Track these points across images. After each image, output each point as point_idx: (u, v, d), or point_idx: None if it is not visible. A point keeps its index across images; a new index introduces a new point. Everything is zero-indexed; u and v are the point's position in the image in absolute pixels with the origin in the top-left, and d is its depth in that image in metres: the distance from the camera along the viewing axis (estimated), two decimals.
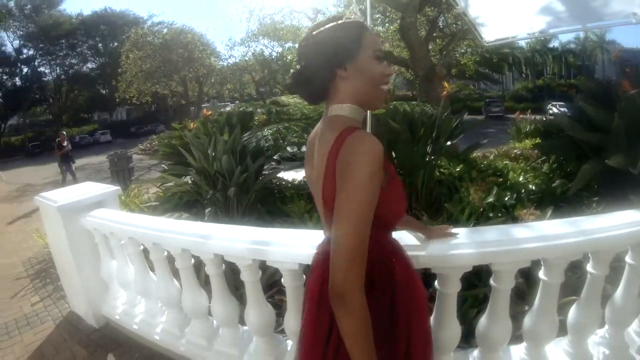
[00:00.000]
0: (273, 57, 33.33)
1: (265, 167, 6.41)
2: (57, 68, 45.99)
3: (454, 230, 1.81)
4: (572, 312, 1.95)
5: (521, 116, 13.13)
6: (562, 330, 1.99)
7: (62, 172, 12.77)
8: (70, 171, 12.71)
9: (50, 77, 46.49)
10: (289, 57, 29.36)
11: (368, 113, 3.51)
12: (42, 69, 45.62)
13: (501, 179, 5.56)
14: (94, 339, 3.34)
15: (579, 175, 4.40)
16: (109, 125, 46.85)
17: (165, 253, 2.67)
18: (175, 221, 3.13)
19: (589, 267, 1.84)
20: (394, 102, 6.23)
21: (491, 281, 1.88)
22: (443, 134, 5.09)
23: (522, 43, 37.54)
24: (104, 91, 47.76)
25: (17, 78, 43.95)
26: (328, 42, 1.13)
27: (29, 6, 40.06)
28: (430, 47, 12.01)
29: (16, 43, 42.30)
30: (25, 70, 44.22)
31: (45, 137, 42.53)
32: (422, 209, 4.70)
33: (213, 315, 2.58)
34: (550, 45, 41.99)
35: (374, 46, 1.13)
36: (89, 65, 47.74)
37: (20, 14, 39.75)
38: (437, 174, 5.65)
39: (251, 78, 37.33)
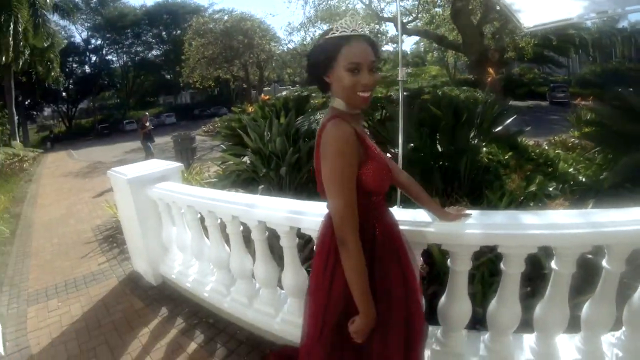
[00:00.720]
0: None
1: None
2: (124, 56, 49.20)
3: (468, 211, 1.92)
4: (585, 308, 1.92)
5: (582, 103, 12.04)
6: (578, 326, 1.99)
7: (145, 149, 13.86)
8: (149, 149, 13.77)
9: (118, 64, 49.92)
10: None
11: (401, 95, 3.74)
12: (109, 57, 49.22)
13: (551, 169, 5.48)
14: (151, 294, 3.86)
15: (617, 167, 4.30)
16: (173, 108, 49.29)
17: (219, 220, 3.07)
18: (227, 192, 3.52)
19: (604, 262, 1.79)
20: (445, 88, 6.34)
21: (501, 265, 1.95)
22: (486, 120, 5.12)
23: (589, 23, 34.07)
24: (169, 76, 49.92)
25: (86, 66, 47.68)
26: (313, 58, 1.44)
27: (94, 0, 43.15)
28: (486, 30, 11.68)
29: (84, 34, 45.87)
30: (94, 58, 47.83)
31: (113, 119, 46.00)
32: (465, 194, 4.71)
33: (255, 277, 2.94)
34: (619, 26, 37.85)
35: (347, 59, 1.33)
36: (154, 52, 50.32)
37: (87, 7, 42.85)
38: (486, 160, 5.60)
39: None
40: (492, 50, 9.89)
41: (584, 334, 1.98)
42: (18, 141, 22.36)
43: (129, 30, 46.26)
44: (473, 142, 5.21)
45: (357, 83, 1.34)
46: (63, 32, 37.84)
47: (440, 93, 5.66)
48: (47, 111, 50.81)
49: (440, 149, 5.19)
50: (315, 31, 31.83)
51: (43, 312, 3.79)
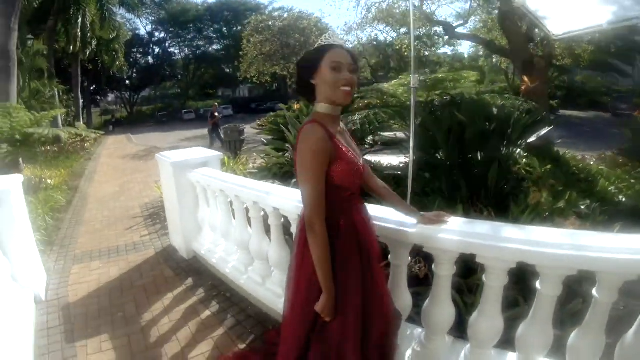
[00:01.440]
0: (388, 42, 33.39)
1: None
2: (186, 49, 51.26)
3: (447, 218, 2.01)
4: (572, 337, 1.82)
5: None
6: None
7: (210, 138, 14.60)
8: (218, 137, 14.51)
9: (180, 56, 52.12)
10: (399, 45, 29.54)
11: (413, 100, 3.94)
12: (172, 49, 51.50)
13: (591, 185, 5.33)
14: (182, 266, 4.32)
15: None
16: (231, 101, 50.81)
17: (245, 205, 3.39)
18: (250, 180, 3.83)
19: (594, 291, 1.67)
20: (474, 93, 6.28)
21: (483, 277, 1.97)
22: (516, 130, 4.98)
23: None
24: (228, 70, 51.57)
25: (150, 57, 50.38)
26: (303, 62, 1.74)
27: None
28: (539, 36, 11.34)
29: (149, 27, 48.43)
30: (157, 50, 50.47)
31: (172, 108, 48.17)
32: (491, 204, 4.53)
33: (269, 259, 3.22)
34: None
35: (331, 59, 1.60)
36: (215, 46, 52.01)
37: (152, 2, 45.01)
38: (523, 172, 5.54)
39: (367, 62, 37.80)
40: (537, 57, 9.62)
41: None
42: (82, 123, 23.98)
43: (191, 25, 48.21)
44: (504, 150, 5.12)
45: (339, 79, 1.59)
46: (128, 25, 39.85)
47: (475, 98, 5.56)
48: (111, 97, 53.79)
49: (468, 156, 5.17)
50: (372, 31, 32.05)
51: (85, 270, 4.33)
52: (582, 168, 6.42)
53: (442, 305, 2.14)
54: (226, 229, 3.78)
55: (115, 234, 5.57)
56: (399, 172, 5.88)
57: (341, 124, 1.81)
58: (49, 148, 14.51)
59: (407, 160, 6.37)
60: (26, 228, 3.79)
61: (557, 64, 22.34)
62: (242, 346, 2.81)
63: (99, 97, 48.64)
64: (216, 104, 17.05)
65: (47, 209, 6.51)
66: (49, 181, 8.92)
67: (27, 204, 4.04)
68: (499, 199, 4.86)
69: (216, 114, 14.42)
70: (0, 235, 3.34)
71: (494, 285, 1.91)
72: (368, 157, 7.38)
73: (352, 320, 1.74)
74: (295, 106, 8.56)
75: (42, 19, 19.70)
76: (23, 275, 3.48)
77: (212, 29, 50.39)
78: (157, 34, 49.37)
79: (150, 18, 46.75)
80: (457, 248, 1.92)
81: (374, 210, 2.20)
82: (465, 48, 34.04)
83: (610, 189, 5.19)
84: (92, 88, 41.54)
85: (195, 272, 4.12)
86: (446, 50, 33.61)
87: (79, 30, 19.51)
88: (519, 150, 5.64)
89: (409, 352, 2.29)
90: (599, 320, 1.70)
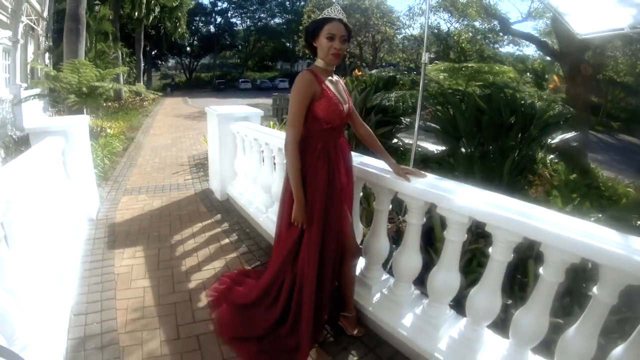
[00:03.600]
0: (450, 32, 32.35)
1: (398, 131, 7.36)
2: (247, 20, 52.60)
3: (423, 173, 2.29)
4: (566, 335, 1.73)
5: None
6: None
7: None
8: None
9: (241, 27, 53.48)
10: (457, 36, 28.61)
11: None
12: (234, 19, 53.07)
13: (611, 203, 5.23)
14: (215, 205, 4.87)
15: None
16: (289, 75, 51.00)
17: (273, 153, 3.79)
18: (278, 131, 4.26)
19: (595, 289, 1.58)
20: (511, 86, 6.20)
21: (444, 232, 2.13)
22: (536, 126, 4.99)
23: None
24: (288, 44, 52.36)
25: (211, 26, 52.09)
26: (308, 28, 2.14)
27: None
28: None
29: None
30: (219, 20, 52.11)
31: (230, 77, 49.49)
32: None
33: None
34: None
35: (327, 31, 2.02)
36: (277, 20, 53.01)
37: None
38: (547, 174, 5.34)
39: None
40: (585, 65, 9.27)
41: None
42: (142, 84, 25.41)
43: None
44: (522, 146, 5.15)
45: (332, 46, 2.05)
46: None
47: (506, 92, 5.48)
48: (171, 62, 55.98)
49: (487, 147, 5.27)
50: (436, 19, 31.19)
51: (132, 200, 4.97)
52: (609, 186, 6.32)
53: (409, 253, 2.37)
54: (256, 174, 4.20)
55: (163, 176, 6.25)
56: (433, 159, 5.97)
57: (336, 77, 2.26)
58: (110, 104, 15.71)
59: (441, 149, 6.54)
60: (87, 160, 4.42)
61: (619, 80, 20.90)
62: (247, 267, 3.29)
63: (159, 62, 50.31)
64: None
65: (106, 152, 7.25)
66: (108, 130, 9.82)
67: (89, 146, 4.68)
68: (511, 194, 4.88)
69: None
70: (66, 162, 3.92)
71: (454, 239, 2.09)
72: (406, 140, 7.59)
73: (315, 233, 2.16)
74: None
75: None
76: (80, 197, 4.08)
77: (275, 1, 51.12)
78: (220, 3, 50.89)
79: None
80: (421, 196, 2.17)
81: (364, 159, 2.59)
82: (532, 50, 31.85)
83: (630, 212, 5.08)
84: (153, 53, 43.13)
85: (225, 210, 4.65)
86: (511, 49, 31.51)
87: None
88: (542, 150, 5.61)
89: (377, 295, 2.59)
90: (594, 318, 1.61)
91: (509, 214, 1.75)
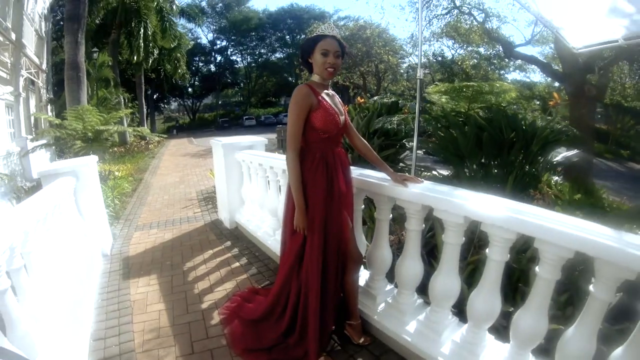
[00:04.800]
0: (454, 59, 32.57)
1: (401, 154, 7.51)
2: (248, 56, 53.09)
3: (419, 180, 2.45)
4: (565, 335, 1.77)
5: None
6: None
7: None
8: None
9: (242, 64, 53.99)
10: (461, 61, 28.86)
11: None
12: (234, 57, 53.36)
13: (614, 224, 5.23)
14: (224, 233, 5.06)
15: None
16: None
17: (278, 177, 3.97)
18: (280, 155, 4.45)
19: (591, 287, 1.63)
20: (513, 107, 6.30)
21: (442, 237, 2.24)
22: (537, 144, 5.09)
23: None
24: (291, 78, 52.18)
25: (211, 65, 52.32)
26: (303, 45, 2.32)
27: (220, 4, 47.39)
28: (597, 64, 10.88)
29: (210, 36, 50.58)
30: (219, 58, 52.39)
31: (234, 115, 50.07)
32: None
33: None
34: None
35: (321, 47, 2.19)
36: (277, 54, 53.44)
37: (213, 11, 47.27)
38: (551, 195, 5.51)
39: (432, 78, 37.30)
40: (587, 85, 9.34)
41: None
42: (146, 128, 25.99)
43: (253, 33, 49.84)
44: (525, 164, 5.22)
45: (326, 62, 2.22)
46: (190, 34, 41.93)
47: (509, 112, 5.62)
48: (174, 105, 56.79)
49: (489, 165, 5.31)
50: (440, 46, 31.54)
51: (144, 235, 5.17)
52: (614, 207, 6.35)
53: (410, 259, 2.48)
54: (262, 200, 4.39)
55: (172, 211, 6.49)
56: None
57: (332, 91, 2.45)
58: (116, 149, 16.16)
59: (446, 173, 6.63)
60: (98, 198, 4.62)
61: (626, 105, 20.83)
62: (257, 287, 3.44)
63: (162, 105, 51.04)
64: None
65: (115, 193, 7.49)
66: (116, 173, 10.10)
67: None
68: None
69: None
70: (78, 201, 4.13)
71: (452, 242, 2.19)
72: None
73: (317, 239, 2.30)
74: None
75: (106, 33, 21.77)
76: (94, 234, 4.29)
77: (274, 36, 51.73)
78: (218, 42, 51.46)
79: (212, 27, 48.98)
80: (418, 200, 2.29)
81: (364, 170, 2.75)
82: (538, 77, 31.73)
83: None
84: (155, 96, 43.72)
85: (235, 237, 4.84)
86: (517, 75, 31.41)
87: (141, 41, 21.19)
88: (546, 170, 5.67)
89: (382, 305, 2.69)
90: (592, 317, 1.65)
91: (503, 212, 1.85)
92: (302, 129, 2.26)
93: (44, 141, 10.54)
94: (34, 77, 14.43)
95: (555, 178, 6.71)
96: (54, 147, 11.30)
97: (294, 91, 2.29)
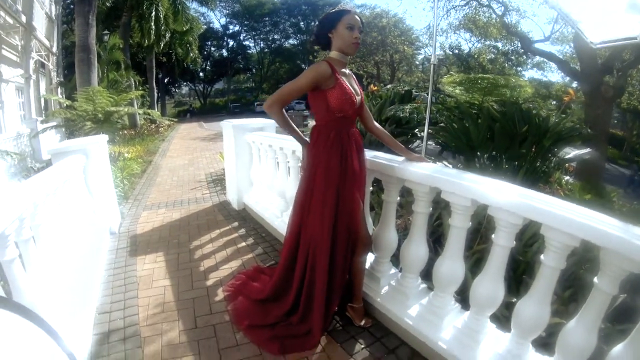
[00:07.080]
0: (471, 52, 32.00)
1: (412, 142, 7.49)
2: (261, 42, 52.40)
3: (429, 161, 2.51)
4: (566, 327, 1.77)
5: None
6: None
7: None
8: None
9: (254, 50, 53.36)
10: (477, 54, 28.50)
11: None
12: (246, 42, 52.69)
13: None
14: (232, 214, 5.10)
15: None
16: (305, 97, 51.59)
17: (287, 158, 3.96)
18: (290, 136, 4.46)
19: (595, 278, 1.63)
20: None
21: (449, 220, 2.24)
22: (548, 138, 5.04)
23: None
24: (304, 65, 51.21)
25: (224, 50, 51.69)
26: (325, 19, 2.27)
27: None
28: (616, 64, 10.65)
29: (223, 20, 49.74)
30: (231, 43, 51.67)
31: (245, 100, 49.90)
32: None
33: None
34: None
35: (347, 21, 2.17)
36: (291, 41, 52.76)
37: None
38: (561, 192, 5.56)
39: (447, 70, 36.79)
40: (605, 85, 9.20)
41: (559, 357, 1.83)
42: (156, 110, 26.10)
43: (267, 18, 49.21)
44: (534, 157, 5.17)
45: (352, 35, 2.21)
46: (203, 18, 41.16)
47: (523, 107, 5.59)
48: (185, 89, 56.88)
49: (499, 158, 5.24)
50: (457, 39, 31.08)
51: (152, 215, 5.22)
52: (623, 210, 6.25)
53: (416, 243, 2.48)
54: (271, 181, 4.40)
55: (181, 192, 6.56)
56: None
57: (349, 70, 2.40)
58: (126, 132, 16.28)
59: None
60: (108, 177, 4.67)
61: None
62: (262, 266, 3.47)
63: (173, 89, 51.09)
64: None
65: (125, 174, 7.57)
66: (126, 154, 10.20)
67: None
68: None
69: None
70: (87, 179, 4.17)
71: (458, 225, 2.18)
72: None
73: (328, 214, 2.30)
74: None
75: (117, 16, 21.74)
76: (102, 212, 4.34)
77: (288, 22, 51.00)
78: (231, 27, 50.66)
79: (225, 11, 48.13)
80: (425, 181, 2.28)
81: (376, 153, 2.70)
82: (556, 77, 31.23)
83: None
84: (166, 80, 43.63)
85: (242, 218, 4.88)
86: (535, 73, 30.92)
87: (152, 24, 21.09)
88: (557, 167, 5.65)
89: (385, 287, 2.71)
90: (595, 309, 1.65)
91: (511, 196, 1.83)
92: (296, 97, 2.31)
93: (54, 123, 10.62)
94: (45, 59, 14.56)
95: (567, 177, 6.67)
96: (64, 129, 11.36)
97: (312, 64, 2.28)
